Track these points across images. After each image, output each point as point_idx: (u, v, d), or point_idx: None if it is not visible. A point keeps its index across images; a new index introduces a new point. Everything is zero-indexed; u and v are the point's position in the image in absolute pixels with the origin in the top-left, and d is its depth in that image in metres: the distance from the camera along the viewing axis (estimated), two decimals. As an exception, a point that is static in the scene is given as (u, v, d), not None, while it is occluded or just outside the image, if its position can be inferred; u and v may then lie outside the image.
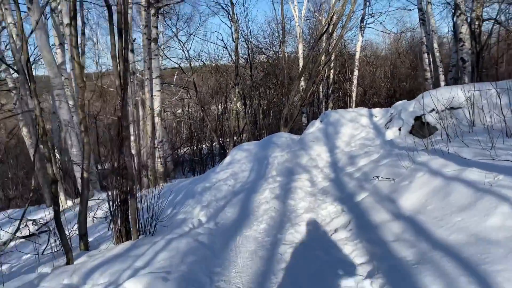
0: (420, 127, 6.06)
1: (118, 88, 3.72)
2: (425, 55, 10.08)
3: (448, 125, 5.42)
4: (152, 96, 7.65)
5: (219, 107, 19.40)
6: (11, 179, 10.43)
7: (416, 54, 19.73)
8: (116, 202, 3.95)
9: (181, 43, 13.39)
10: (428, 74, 10.19)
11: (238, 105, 13.93)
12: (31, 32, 6.20)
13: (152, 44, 7.55)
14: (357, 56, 17.09)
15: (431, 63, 10.21)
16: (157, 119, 7.77)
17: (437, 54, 9.52)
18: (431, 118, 5.87)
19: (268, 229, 4.03)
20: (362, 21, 16.67)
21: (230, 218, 4.57)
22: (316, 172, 5.96)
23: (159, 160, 7.96)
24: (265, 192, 5.22)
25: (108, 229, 4.72)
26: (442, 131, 5.09)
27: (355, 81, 16.98)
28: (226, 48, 13.63)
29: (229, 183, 6.11)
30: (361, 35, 16.96)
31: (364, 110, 7.66)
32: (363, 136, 6.88)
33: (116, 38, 3.62)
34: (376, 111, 7.53)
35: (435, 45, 9.50)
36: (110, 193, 3.99)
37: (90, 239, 4.36)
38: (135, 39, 8.29)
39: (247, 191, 5.47)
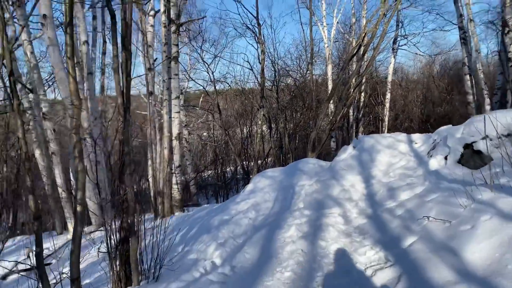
0: (471, 156, 5.24)
1: (120, 107, 3.18)
2: (467, 77, 9.25)
3: (508, 155, 4.59)
4: (170, 118, 7.20)
5: (244, 130, 18.93)
6: (24, 202, 10.17)
7: (451, 77, 18.76)
8: (115, 241, 3.35)
9: (206, 65, 13.10)
10: (471, 98, 9.32)
11: (263, 128, 13.33)
12: (15, 41, 5.91)
13: (172, 63, 7.13)
14: (389, 78, 16.36)
15: (474, 85, 9.36)
16: (175, 143, 7.28)
17: (481, 75, 8.68)
18: (484, 146, 5.05)
19: (294, 279, 3.32)
20: (394, 42, 16.00)
21: (249, 261, 3.88)
22: (349, 206, 5.21)
23: (176, 186, 7.42)
24: (290, 229, 4.52)
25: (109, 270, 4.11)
26: (503, 161, 4.27)
27: (387, 105, 16.18)
28: (252, 70, 13.25)
29: (250, 216, 5.44)
30: (394, 57, 16.27)
31: (402, 136, 6.88)
32: (402, 164, 6.09)
33: (120, 50, 3.11)
34: (416, 136, 6.74)
35: (479, 66, 8.68)
36: (108, 230, 3.40)
37: (85, 281, 3.75)
38: (156, 58, 7.94)
39: (270, 227, 4.78)
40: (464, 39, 9.17)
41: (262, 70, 12.39)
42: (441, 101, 18.52)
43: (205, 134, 24.12)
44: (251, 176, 13.16)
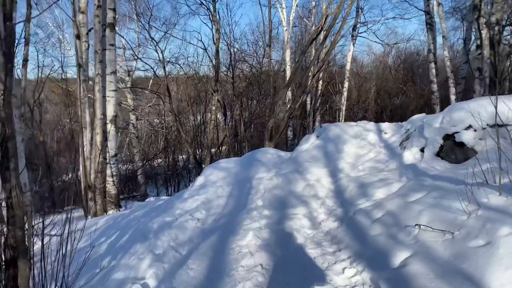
0: (452, 149, 4.64)
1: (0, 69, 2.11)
2: (432, 65, 8.81)
3: (493, 148, 3.99)
4: (104, 97, 6.00)
5: (198, 116, 17.82)
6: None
7: (408, 68, 18.70)
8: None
9: (154, 42, 11.78)
10: (435, 87, 8.91)
11: (217, 115, 12.28)
12: None
13: (107, 30, 5.90)
14: (348, 67, 15.90)
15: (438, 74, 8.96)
16: (109, 127, 6.12)
17: (448, 63, 8.25)
18: (468, 138, 4.45)
19: (252, 312, 2.45)
20: (354, 29, 15.51)
21: (194, 282, 2.97)
22: (316, 204, 4.43)
23: (111, 179, 6.27)
24: (248, 235, 3.65)
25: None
26: (488, 155, 3.63)
27: (345, 94, 15.73)
28: (206, 50, 12.12)
29: (198, 217, 4.50)
30: (353, 44, 15.80)
31: (370, 125, 6.22)
32: (372, 157, 5.41)
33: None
34: (386, 126, 6.11)
35: (446, 53, 8.24)
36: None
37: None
38: (91, 28, 6.63)
39: (222, 232, 3.88)
40: (431, 25, 8.72)
41: (217, 51, 11.34)
42: (397, 92, 18.42)
43: (156, 120, 22.64)
44: (203, 166, 12.16)
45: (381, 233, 3.16)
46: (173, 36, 13.04)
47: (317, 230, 3.78)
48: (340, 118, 15.77)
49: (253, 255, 3.23)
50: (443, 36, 8.31)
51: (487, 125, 4.40)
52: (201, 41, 11.08)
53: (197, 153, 16.37)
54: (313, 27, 15.19)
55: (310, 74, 10.30)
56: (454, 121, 4.61)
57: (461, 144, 4.50)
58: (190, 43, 16.33)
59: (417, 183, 3.97)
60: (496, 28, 7.51)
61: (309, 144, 6.25)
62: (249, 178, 6.01)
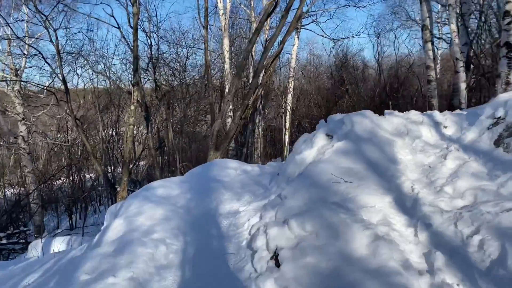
0: None
1: None
2: (429, 45, 6.75)
3: None
4: None
5: (109, 124, 14.28)
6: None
7: (353, 67, 17.18)
8: None
9: (43, 17, 8.02)
10: (433, 74, 6.85)
11: (132, 120, 8.96)
12: None
13: None
14: (293, 63, 13.68)
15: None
16: None
17: (456, 40, 6.24)
18: None
19: None
20: (298, 20, 13.32)
21: None
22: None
23: None
24: None
25: None
26: None
27: (290, 94, 13.48)
28: (120, 28, 8.80)
29: None
30: (297, 37, 13.65)
31: (416, 115, 3.71)
32: (454, 168, 2.92)
33: None
34: (440, 115, 3.65)
35: (453, 26, 6.22)
36: None
37: None
38: None
39: None
40: (425, -7, 6.73)
41: (135, 29, 8.18)
42: (343, 93, 16.67)
43: (55, 132, 18.11)
44: (117, 189, 8.76)
45: None
46: (69, 7, 9.16)
47: None
48: (286, 120, 13.47)
49: None
50: (449, 4, 6.26)
51: None
52: (113, 16, 7.79)
53: (110, 170, 12.77)
54: (253, 16, 12.70)
55: (267, 59, 7.71)
56: None
57: None
58: (97, 19, 11.82)
59: None
60: None
61: (316, 149, 3.54)
62: (217, 219, 3.21)
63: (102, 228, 3.50)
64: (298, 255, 2.09)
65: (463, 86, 6.50)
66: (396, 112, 3.82)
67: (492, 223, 2.17)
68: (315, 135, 3.71)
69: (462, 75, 6.51)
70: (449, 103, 7.66)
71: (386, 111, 4.04)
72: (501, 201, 2.40)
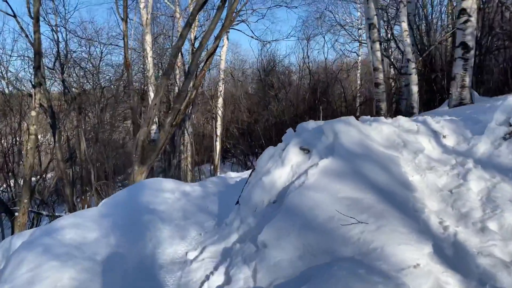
0: None
1: None
2: (376, 46, 6.31)
3: None
4: None
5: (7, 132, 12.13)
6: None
7: (281, 72, 16.75)
8: None
9: None
10: (381, 76, 6.42)
11: (34, 129, 7.20)
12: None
13: None
14: (222, 65, 12.80)
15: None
16: None
17: (408, 40, 5.84)
18: None
19: None
20: (237, 13, 12.42)
21: None
22: None
23: None
24: None
25: None
26: None
27: (220, 99, 12.57)
28: (16, 17, 7.04)
29: None
30: (227, 38, 12.80)
31: (407, 122, 3.01)
32: (479, 192, 2.19)
33: None
34: (436, 124, 2.99)
35: (405, 25, 5.82)
36: None
37: None
38: None
39: None
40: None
41: (37, 19, 6.61)
42: (272, 97, 16.11)
43: None
44: (15, 213, 7.01)
45: None
46: None
47: None
48: (216, 126, 12.54)
49: None
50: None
51: None
52: (6, 1, 6.23)
53: (7, 188, 10.60)
54: (177, 12, 11.52)
55: (200, 57, 6.75)
56: None
57: None
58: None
59: None
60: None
61: (289, 167, 2.68)
62: (154, 271, 2.21)
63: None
64: None
65: (415, 89, 6.15)
66: (383, 119, 3.10)
67: None
68: (286, 149, 2.83)
69: (414, 77, 6.17)
70: (396, 108, 7.30)
71: (363, 117, 3.31)
72: None
